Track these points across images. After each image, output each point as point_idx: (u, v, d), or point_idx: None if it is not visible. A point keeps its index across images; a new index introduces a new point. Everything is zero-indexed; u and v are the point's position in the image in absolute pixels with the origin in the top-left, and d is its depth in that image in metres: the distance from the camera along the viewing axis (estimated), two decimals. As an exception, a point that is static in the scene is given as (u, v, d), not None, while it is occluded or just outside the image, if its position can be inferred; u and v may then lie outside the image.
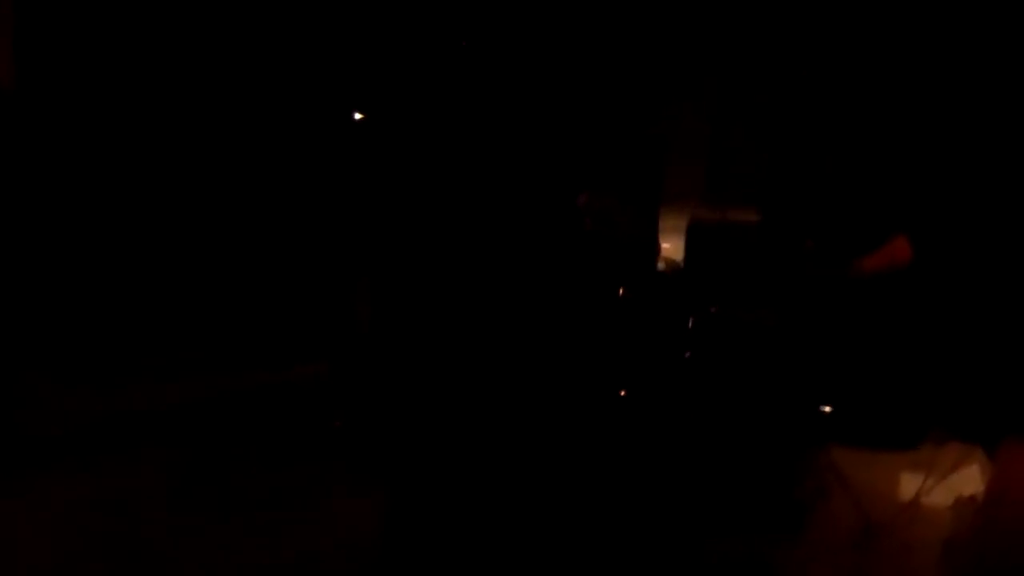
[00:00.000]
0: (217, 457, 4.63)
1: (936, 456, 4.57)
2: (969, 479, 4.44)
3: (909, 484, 4.57)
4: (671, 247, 5.20)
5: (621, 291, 4.93)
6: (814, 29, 5.43)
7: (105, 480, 4.30)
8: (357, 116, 5.17)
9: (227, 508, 4.15)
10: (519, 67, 5.30)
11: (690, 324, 4.84)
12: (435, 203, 5.23)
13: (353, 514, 4.13)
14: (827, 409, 4.66)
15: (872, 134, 5.24)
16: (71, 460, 4.44)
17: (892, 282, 4.93)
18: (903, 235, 4.78)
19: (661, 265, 5.24)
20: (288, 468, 4.54)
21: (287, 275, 5.86)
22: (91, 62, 5.80)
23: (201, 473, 4.45)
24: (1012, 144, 4.71)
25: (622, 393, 4.79)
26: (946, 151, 4.89)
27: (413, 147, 5.34)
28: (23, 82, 5.72)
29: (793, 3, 5.46)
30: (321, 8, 5.76)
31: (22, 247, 5.66)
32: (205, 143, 5.90)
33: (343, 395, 5.05)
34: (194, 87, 5.88)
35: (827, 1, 5.38)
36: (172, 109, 5.89)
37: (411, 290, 5.15)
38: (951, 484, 4.48)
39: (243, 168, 5.92)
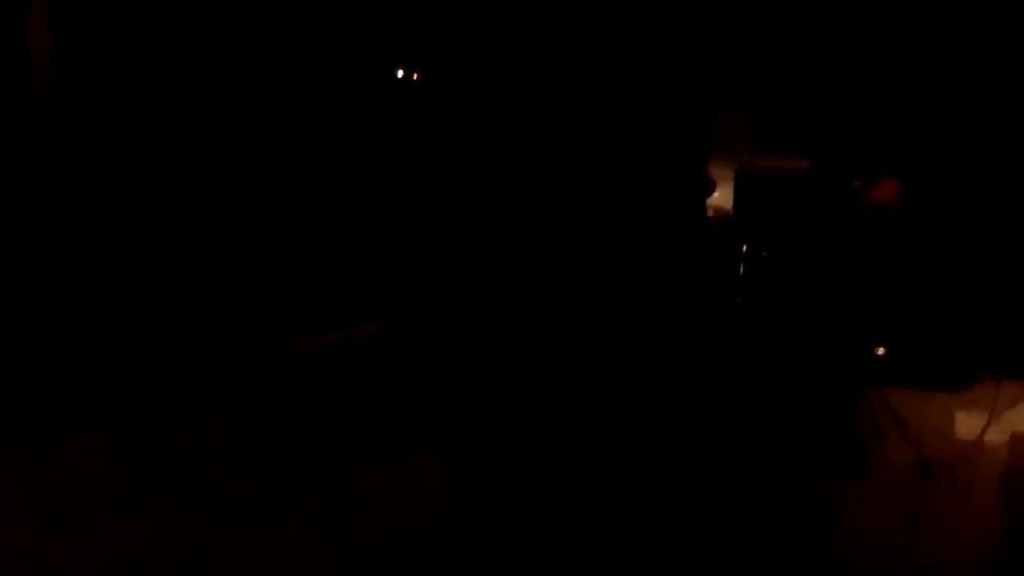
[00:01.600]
0: (276, 414, 4.72)
1: (992, 394, 4.60)
2: (1025, 416, 4.48)
3: (965, 423, 4.60)
4: (720, 195, 5.19)
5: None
6: None
7: (169, 438, 4.40)
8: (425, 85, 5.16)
9: (285, 463, 4.22)
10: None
11: (741, 270, 4.86)
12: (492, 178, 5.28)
13: (406, 470, 4.19)
14: (880, 351, 4.68)
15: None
16: (131, 421, 4.54)
17: (945, 226, 4.95)
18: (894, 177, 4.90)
19: (710, 213, 5.24)
20: (344, 424, 4.62)
21: (343, 239, 5.95)
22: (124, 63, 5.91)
23: (260, 431, 4.54)
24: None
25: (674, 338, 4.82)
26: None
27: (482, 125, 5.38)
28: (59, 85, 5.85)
29: None
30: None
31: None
32: (272, 117, 5.99)
33: (398, 355, 5.12)
34: (245, 68, 5.97)
35: None
36: (218, 92, 5.98)
37: (472, 254, 5.20)
38: (1007, 421, 4.51)
39: (314, 145, 6.01)
